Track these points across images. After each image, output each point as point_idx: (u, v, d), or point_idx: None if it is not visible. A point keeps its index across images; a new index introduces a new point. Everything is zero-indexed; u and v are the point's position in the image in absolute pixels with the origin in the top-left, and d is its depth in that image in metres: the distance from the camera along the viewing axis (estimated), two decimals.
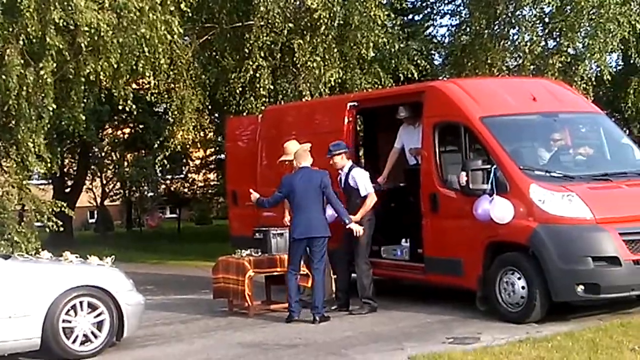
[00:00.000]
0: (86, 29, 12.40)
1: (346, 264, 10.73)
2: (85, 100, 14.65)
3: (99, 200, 32.07)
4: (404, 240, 11.32)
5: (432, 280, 10.72)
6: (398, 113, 11.40)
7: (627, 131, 18.08)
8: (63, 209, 14.45)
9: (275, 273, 10.79)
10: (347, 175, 10.58)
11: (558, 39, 17.39)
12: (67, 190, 27.12)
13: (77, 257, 9.48)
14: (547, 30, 17.71)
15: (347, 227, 10.20)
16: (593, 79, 17.04)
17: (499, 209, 9.25)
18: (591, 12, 16.47)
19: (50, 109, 13.08)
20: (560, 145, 10.35)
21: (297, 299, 10.20)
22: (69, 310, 8.60)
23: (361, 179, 10.49)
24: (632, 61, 17.32)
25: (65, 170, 27.90)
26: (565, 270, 8.94)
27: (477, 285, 9.80)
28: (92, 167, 29.32)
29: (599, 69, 17.08)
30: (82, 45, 12.68)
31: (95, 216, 35.99)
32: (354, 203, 10.51)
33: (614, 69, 18.85)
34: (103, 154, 29.36)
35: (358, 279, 10.52)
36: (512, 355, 7.73)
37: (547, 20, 17.50)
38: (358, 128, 12.96)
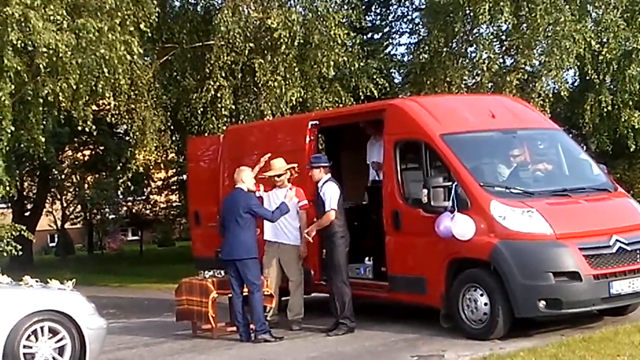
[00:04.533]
0: (44, 50, 12.33)
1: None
2: (44, 122, 14.54)
3: (59, 223, 31.71)
4: (367, 258, 11.34)
5: (396, 298, 10.73)
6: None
7: (585, 147, 18.29)
8: (22, 232, 14.29)
9: None
10: (320, 189, 10.55)
11: (515, 57, 17.63)
12: (27, 213, 26.80)
13: (37, 281, 9.33)
14: (504, 48, 17.97)
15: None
16: (550, 95, 17.30)
17: (460, 226, 9.30)
18: (547, 30, 16.74)
19: (9, 131, 12.95)
20: (519, 161, 10.46)
21: (244, 321, 10.16)
22: (29, 336, 8.45)
23: (329, 194, 10.39)
24: (588, 78, 17.59)
25: (24, 193, 27.58)
26: (526, 286, 9.01)
27: (440, 303, 9.82)
28: (52, 189, 29.03)
29: (555, 85, 17.36)
30: (41, 66, 12.60)
31: (56, 239, 35.57)
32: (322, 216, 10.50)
33: (571, 86, 19.18)
34: (63, 176, 29.05)
35: (336, 299, 10.38)
36: None
37: (504, 38, 17.76)
38: (320, 146, 12.98)
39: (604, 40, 17.42)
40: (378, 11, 21.70)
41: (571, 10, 16.57)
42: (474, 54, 17.70)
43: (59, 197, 30.20)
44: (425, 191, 9.67)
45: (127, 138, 19.79)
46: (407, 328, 10.28)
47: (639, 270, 9.32)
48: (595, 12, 17.69)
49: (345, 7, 17.75)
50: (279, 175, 10.85)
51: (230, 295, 10.53)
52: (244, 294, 10.23)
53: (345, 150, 13.06)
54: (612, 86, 18.37)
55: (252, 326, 10.15)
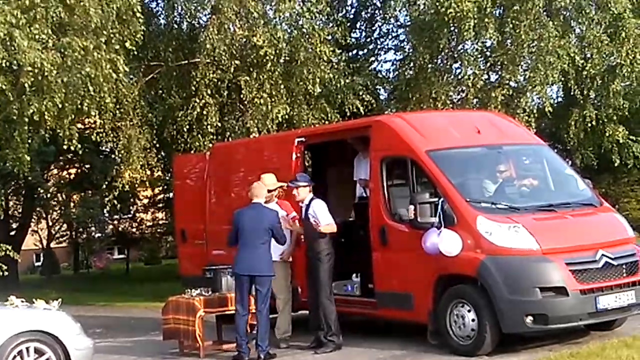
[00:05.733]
0: (30, 69, 12.31)
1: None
2: (29, 141, 14.49)
3: (45, 242, 31.55)
4: (354, 275, 11.33)
5: (383, 315, 10.72)
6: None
7: (570, 162, 18.41)
8: (8, 252, 14.22)
9: (226, 312, 10.69)
10: (307, 207, 10.55)
11: (500, 72, 17.74)
12: (12, 233, 26.62)
13: (22, 301, 9.28)
14: (489, 64, 18.07)
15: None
16: (535, 111, 17.41)
17: (447, 242, 9.30)
18: (531, 46, 16.87)
19: None
20: (505, 177, 10.49)
21: (246, 340, 10.08)
22: (15, 357, 8.41)
23: (320, 211, 10.43)
24: (572, 93, 17.71)
25: (9, 212, 27.38)
26: (513, 302, 9.02)
27: (428, 319, 9.82)
28: (38, 208, 28.90)
29: (540, 101, 17.48)
30: (26, 85, 12.58)
31: (42, 259, 35.38)
32: (313, 234, 10.49)
33: (555, 101, 19.31)
34: (49, 195, 28.91)
35: (322, 316, 10.36)
36: None
37: (488, 54, 17.86)
38: (306, 163, 13.01)
39: (588, 55, 17.57)
40: (363, 28, 21.79)
41: (555, 27, 16.71)
42: (459, 70, 17.80)
43: (44, 216, 30.07)
44: (411, 207, 9.69)
45: (112, 156, 19.75)
46: (395, 345, 10.27)
47: (625, 285, 9.35)
48: (579, 28, 17.83)
49: (331, 24, 17.83)
50: (269, 190, 10.84)
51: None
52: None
53: (332, 167, 13.07)
54: (596, 101, 18.51)
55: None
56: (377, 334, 10.99)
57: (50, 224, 30.96)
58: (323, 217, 10.38)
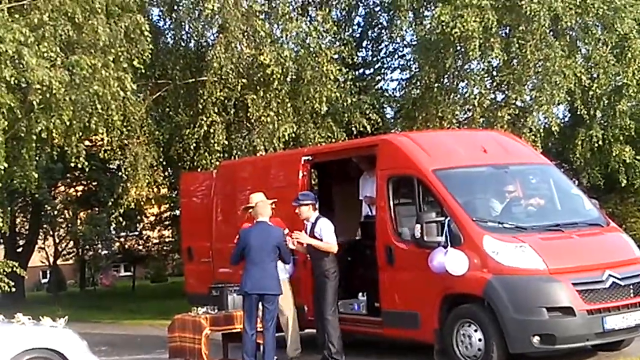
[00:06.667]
0: (38, 86, 12.38)
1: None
2: (37, 158, 14.57)
3: (51, 259, 31.57)
4: (360, 294, 11.32)
5: (390, 334, 10.68)
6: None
7: (576, 181, 18.38)
8: (15, 269, 14.24)
9: (232, 330, 10.67)
10: (313, 225, 10.54)
11: (506, 92, 17.77)
12: (19, 249, 26.69)
13: (29, 318, 9.29)
14: (495, 84, 18.11)
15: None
16: (541, 130, 17.40)
17: (453, 261, 9.29)
18: (537, 65, 16.89)
19: (2, 167, 12.95)
20: (512, 196, 10.49)
21: (253, 359, 10.05)
22: None
23: (326, 230, 10.46)
24: (578, 112, 17.71)
25: (16, 229, 27.47)
26: (520, 321, 8.99)
27: (434, 338, 9.79)
28: (45, 225, 28.94)
29: (546, 120, 17.47)
30: (34, 102, 12.65)
31: (48, 276, 35.39)
32: (317, 253, 10.49)
33: (562, 121, 19.29)
34: (56, 212, 28.98)
35: (326, 335, 10.36)
36: None
37: (494, 73, 17.90)
38: (312, 182, 13.04)
39: (594, 75, 17.56)
40: (370, 47, 21.87)
41: (561, 46, 16.74)
42: (465, 90, 17.84)
43: (51, 233, 30.10)
44: (418, 226, 9.68)
45: (119, 174, 19.78)
46: None
47: (632, 305, 9.32)
48: (585, 48, 17.85)
49: (337, 43, 17.90)
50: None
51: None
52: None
53: (338, 186, 13.08)
54: (602, 121, 18.49)
55: None
56: (382, 353, 10.94)
57: (57, 241, 30.98)
58: (328, 237, 10.40)
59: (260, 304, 9.96)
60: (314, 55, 16.36)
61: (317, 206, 10.78)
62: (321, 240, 10.40)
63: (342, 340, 10.38)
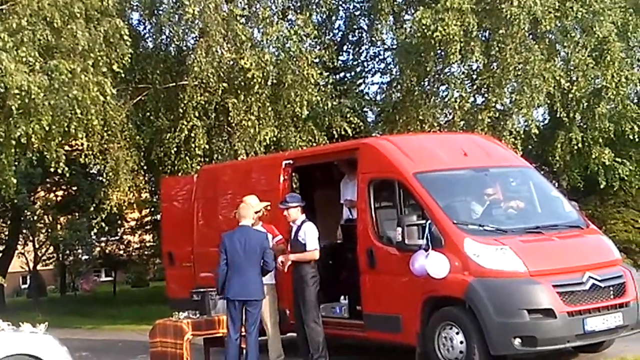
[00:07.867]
0: (16, 91, 12.32)
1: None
2: (16, 164, 14.49)
3: (31, 264, 31.37)
4: (342, 297, 11.32)
5: (371, 337, 10.68)
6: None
7: (556, 184, 18.51)
8: None
9: (214, 335, 10.64)
10: (298, 229, 10.53)
11: (486, 95, 17.85)
12: None
13: (9, 324, 9.23)
14: (475, 87, 18.19)
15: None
16: (521, 133, 17.50)
17: (434, 264, 9.30)
18: (517, 69, 16.98)
19: None
20: (492, 199, 10.53)
21: None
22: None
23: (310, 234, 10.44)
24: (558, 115, 17.82)
25: None
26: (501, 324, 9.02)
27: (416, 341, 9.80)
28: (24, 231, 28.75)
29: (526, 123, 17.57)
30: (13, 107, 12.58)
31: (28, 281, 35.17)
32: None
33: (541, 123, 19.40)
34: (35, 217, 28.79)
35: (309, 339, 10.33)
36: None
37: (474, 77, 17.99)
38: (294, 185, 13.04)
39: (574, 78, 17.69)
40: (350, 51, 21.95)
41: (541, 50, 16.85)
42: (445, 93, 17.92)
43: (31, 238, 29.92)
44: (399, 229, 9.70)
45: (100, 178, 19.75)
46: None
47: (612, 306, 9.37)
48: (565, 51, 17.97)
49: (318, 47, 17.94)
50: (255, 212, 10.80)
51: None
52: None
53: (319, 189, 13.08)
54: (582, 124, 18.62)
55: None
56: (365, 356, 10.94)
57: (37, 246, 30.82)
58: (311, 242, 10.39)
59: (243, 308, 9.94)
60: (294, 59, 16.39)
61: (304, 209, 10.77)
62: (304, 244, 10.39)
63: (326, 344, 10.36)
